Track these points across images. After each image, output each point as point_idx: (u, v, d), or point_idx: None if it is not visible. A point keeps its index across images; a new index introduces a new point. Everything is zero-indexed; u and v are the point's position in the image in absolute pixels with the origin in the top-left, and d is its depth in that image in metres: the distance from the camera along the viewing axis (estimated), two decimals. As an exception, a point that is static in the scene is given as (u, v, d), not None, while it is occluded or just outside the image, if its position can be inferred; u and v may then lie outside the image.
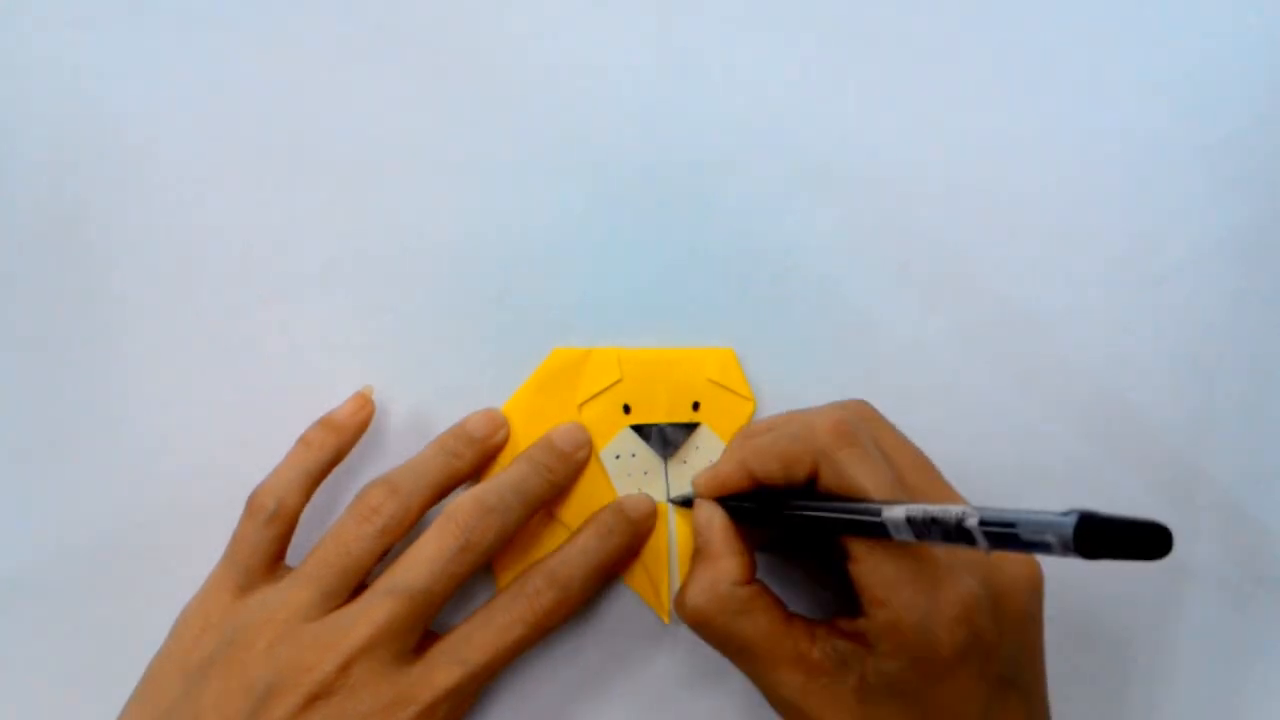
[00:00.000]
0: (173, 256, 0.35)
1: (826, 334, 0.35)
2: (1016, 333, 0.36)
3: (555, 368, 0.35)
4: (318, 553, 0.30)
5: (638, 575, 0.34)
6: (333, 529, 0.31)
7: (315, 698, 0.27)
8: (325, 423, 0.33)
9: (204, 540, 0.33)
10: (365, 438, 0.34)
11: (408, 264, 0.35)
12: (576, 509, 0.34)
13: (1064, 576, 0.35)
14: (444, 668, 0.29)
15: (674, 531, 0.34)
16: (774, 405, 0.35)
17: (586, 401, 0.34)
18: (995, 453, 0.35)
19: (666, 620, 0.34)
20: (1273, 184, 0.36)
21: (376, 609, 0.29)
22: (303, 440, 0.33)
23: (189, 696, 0.28)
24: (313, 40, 0.36)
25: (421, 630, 0.30)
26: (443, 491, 0.32)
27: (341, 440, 0.33)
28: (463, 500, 0.30)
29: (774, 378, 0.35)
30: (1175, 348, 0.36)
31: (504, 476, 0.32)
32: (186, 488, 0.34)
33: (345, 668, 0.28)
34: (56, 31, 0.36)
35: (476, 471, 0.33)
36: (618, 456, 0.34)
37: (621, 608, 0.35)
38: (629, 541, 0.33)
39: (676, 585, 0.34)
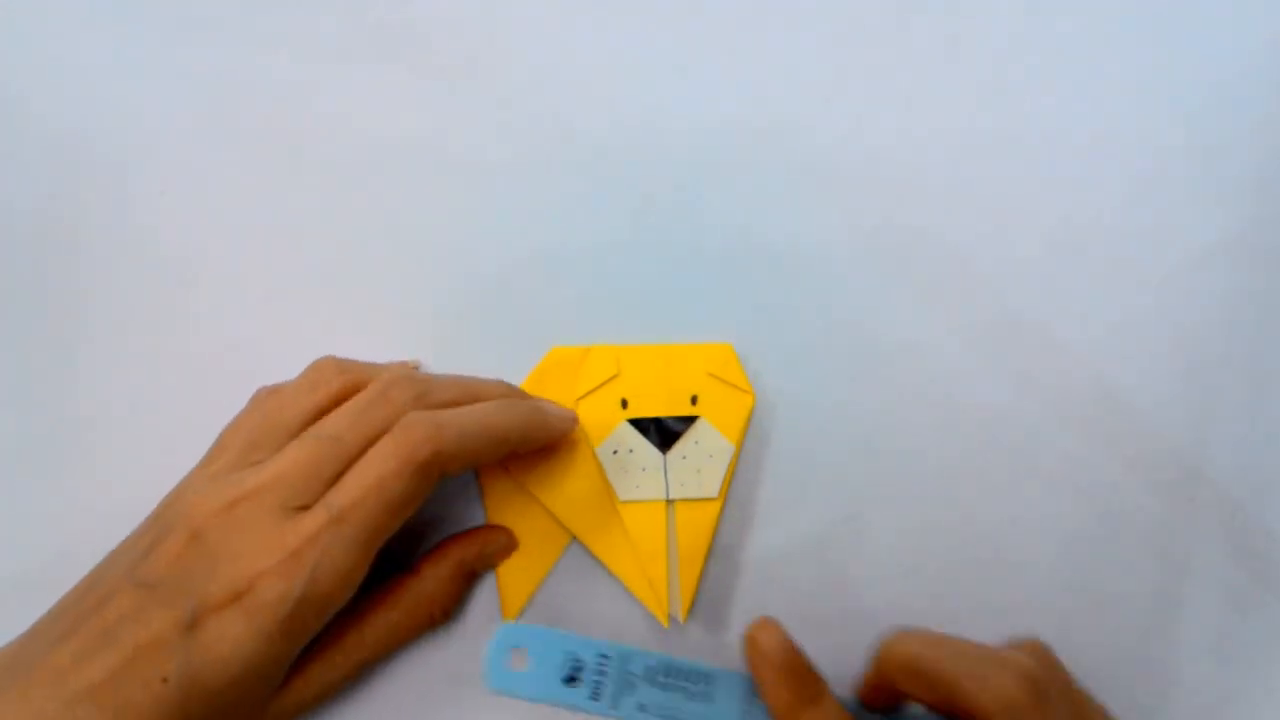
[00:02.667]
0: (173, 256, 0.35)
1: (826, 333, 0.35)
2: (1016, 333, 0.35)
3: (554, 366, 0.35)
4: (288, 453, 0.29)
5: (637, 578, 0.34)
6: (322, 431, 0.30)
7: (194, 536, 0.27)
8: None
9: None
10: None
11: (407, 262, 0.35)
12: (575, 506, 0.34)
13: (1064, 576, 0.35)
14: (312, 514, 0.27)
15: (673, 532, 0.34)
16: (774, 403, 0.35)
17: (584, 396, 0.34)
18: (995, 453, 0.35)
19: (665, 624, 0.34)
20: (1273, 185, 0.36)
21: (284, 456, 0.28)
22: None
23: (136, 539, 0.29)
24: (313, 40, 0.36)
25: (325, 481, 0.28)
26: None
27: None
28: (416, 414, 0.29)
29: (774, 377, 0.35)
30: (1175, 348, 0.36)
31: (471, 407, 0.30)
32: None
33: (231, 507, 0.27)
34: (57, 31, 0.36)
35: None
36: (615, 452, 0.34)
37: (621, 610, 0.34)
38: (528, 424, 0.31)
39: (676, 587, 0.34)
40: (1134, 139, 0.36)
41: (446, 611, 0.33)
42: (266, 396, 0.31)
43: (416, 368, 0.35)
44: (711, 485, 0.34)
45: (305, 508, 0.27)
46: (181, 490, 0.29)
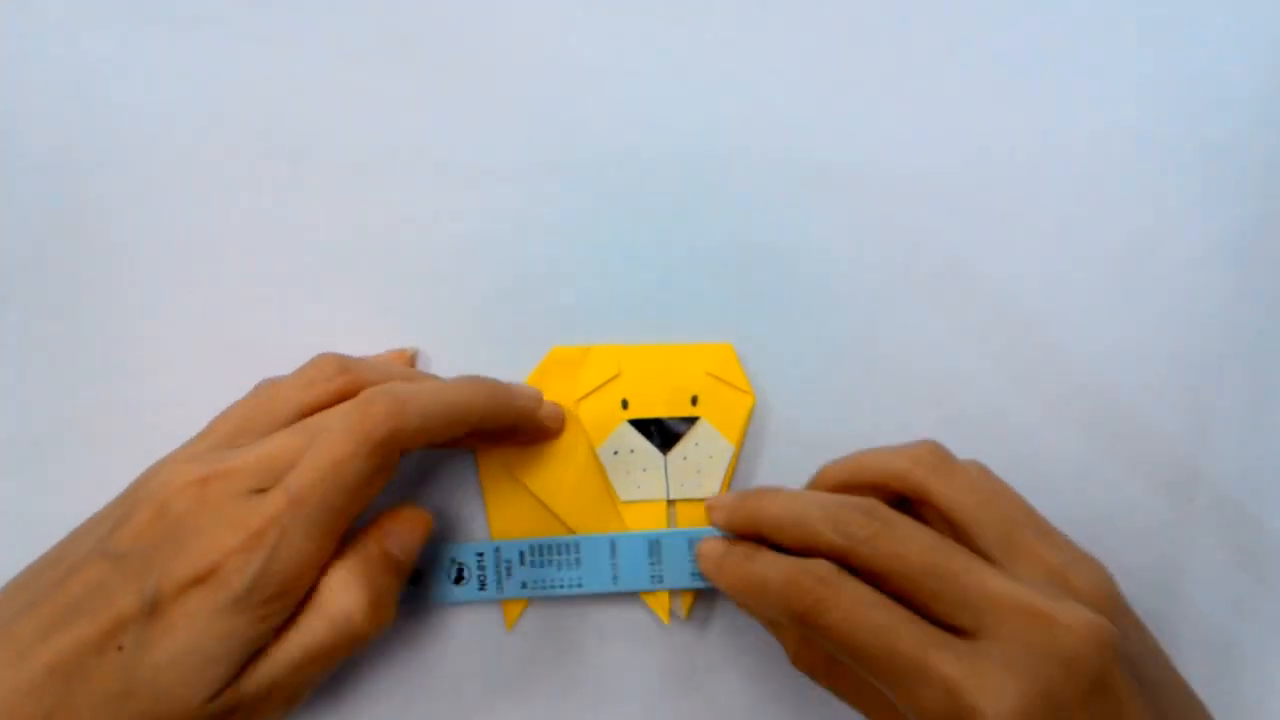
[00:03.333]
0: (173, 256, 0.35)
1: (826, 333, 0.35)
2: (1016, 333, 0.35)
3: (554, 366, 0.35)
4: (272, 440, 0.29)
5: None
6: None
7: (163, 509, 0.27)
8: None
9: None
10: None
11: (408, 263, 0.35)
12: (576, 506, 0.34)
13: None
14: (270, 496, 0.27)
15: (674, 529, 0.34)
16: (774, 403, 0.35)
17: (585, 397, 0.34)
18: (995, 453, 0.35)
19: (667, 620, 0.34)
20: (1272, 185, 0.36)
21: (266, 442, 0.28)
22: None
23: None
24: (313, 40, 0.36)
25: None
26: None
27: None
28: (378, 388, 0.29)
29: (774, 377, 0.35)
30: (1175, 348, 0.36)
31: (428, 382, 0.30)
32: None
33: (203, 483, 0.27)
34: (58, 31, 0.36)
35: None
36: (616, 452, 0.34)
37: (622, 608, 0.34)
38: (492, 401, 0.31)
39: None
40: (1134, 139, 0.36)
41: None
42: (264, 387, 0.31)
43: (413, 357, 0.35)
44: (712, 485, 0.34)
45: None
46: (160, 466, 0.29)
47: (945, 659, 0.25)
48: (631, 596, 0.34)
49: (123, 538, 0.27)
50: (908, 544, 0.27)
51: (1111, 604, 0.28)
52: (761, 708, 0.34)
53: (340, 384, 0.30)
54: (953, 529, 0.29)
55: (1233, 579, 0.35)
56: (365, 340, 0.35)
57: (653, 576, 0.33)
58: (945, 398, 0.35)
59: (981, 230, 0.36)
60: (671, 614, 0.34)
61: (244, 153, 0.35)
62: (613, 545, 0.33)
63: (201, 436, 0.30)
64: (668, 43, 0.36)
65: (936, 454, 0.30)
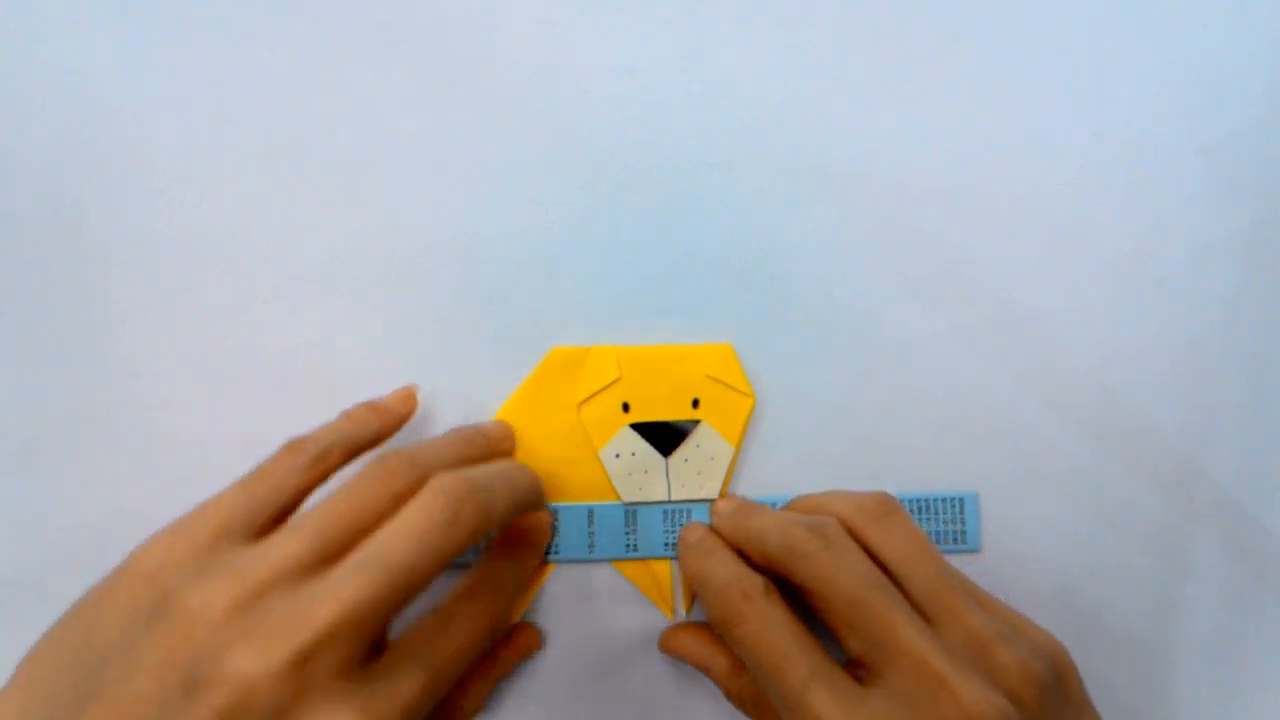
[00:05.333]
0: (172, 256, 0.35)
1: (826, 333, 0.35)
2: (1016, 333, 0.35)
3: (554, 366, 0.35)
4: (320, 507, 0.26)
5: (642, 575, 0.34)
6: (340, 489, 0.27)
7: (242, 705, 0.22)
8: (371, 405, 0.31)
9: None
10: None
11: (407, 263, 0.35)
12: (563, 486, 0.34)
13: (1064, 577, 0.35)
14: (410, 673, 0.25)
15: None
16: (774, 403, 0.35)
17: (586, 400, 0.34)
18: (995, 453, 0.35)
19: (671, 617, 0.34)
20: (1273, 185, 0.36)
21: (347, 585, 0.24)
22: (346, 414, 0.31)
23: (129, 647, 0.24)
24: (313, 40, 0.36)
25: (393, 617, 0.25)
26: None
27: (384, 424, 0.31)
28: (452, 476, 0.27)
29: (774, 377, 0.35)
30: (1175, 348, 0.36)
31: (490, 467, 0.29)
32: (187, 487, 0.34)
33: (299, 665, 0.22)
34: (56, 31, 0.36)
35: None
36: (617, 455, 0.34)
37: (626, 606, 0.34)
38: (538, 489, 0.31)
39: (679, 583, 0.34)
40: (1134, 137, 0.36)
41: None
42: (344, 495, 0.27)
43: (414, 393, 0.34)
44: (712, 486, 0.34)
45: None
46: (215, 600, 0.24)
47: (823, 697, 0.25)
48: (636, 592, 0.34)
49: None
50: (839, 569, 0.28)
51: (1033, 687, 0.26)
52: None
53: (409, 478, 0.27)
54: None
55: (1233, 579, 0.35)
56: (365, 340, 0.35)
57: (628, 545, 0.34)
58: (945, 398, 0.35)
59: (981, 231, 0.36)
60: (675, 611, 0.34)
61: (243, 153, 0.35)
62: (590, 514, 0.34)
63: (261, 557, 0.25)
64: (668, 43, 0.36)
65: (884, 505, 0.30)
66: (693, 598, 0.34)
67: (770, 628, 0.27)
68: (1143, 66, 0.36)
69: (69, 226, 0.35)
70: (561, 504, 0.34)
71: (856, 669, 0.27)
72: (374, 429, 0.31)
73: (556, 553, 0.34)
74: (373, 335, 0.35)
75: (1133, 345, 0.36)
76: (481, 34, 0.36)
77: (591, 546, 0.34)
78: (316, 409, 0.34)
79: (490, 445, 0.33)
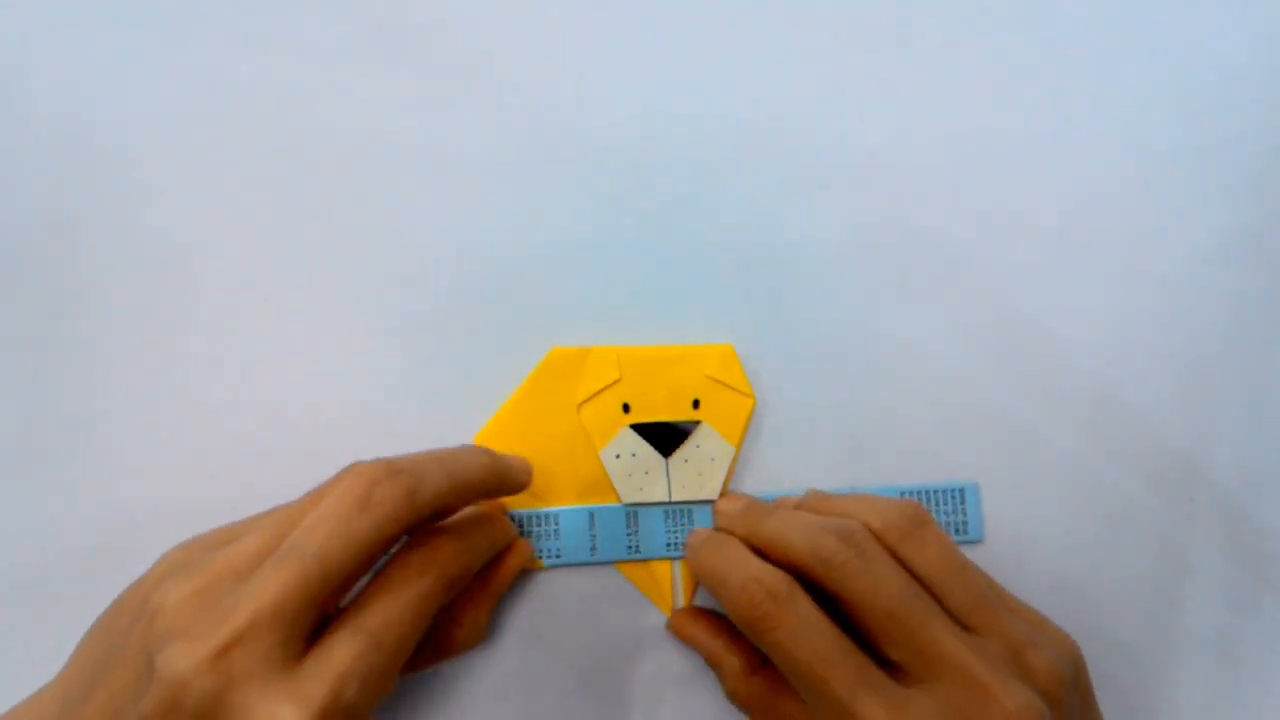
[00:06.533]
0: (172, 256, 0.35)
1: (826, 333, 0.35)
2: (1016, 333, 0.35)
3: (554, 366, 0.35)
4: (283, 506, 0.28)
5: (642, 574, 0.34)
6: (310, 491, 0.28)
7: (177, 700, 0.23)
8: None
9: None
10: (365, 439, 0.34)
11: (407, 264, 0.35)
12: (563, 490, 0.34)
13: (1064, 577, 0.35)
14: (343, 642, 0.25)
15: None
16: (774, 404, 0.35)
17: (586, 400, 0.34)
18: (995, 453, 0.35)
19: (668, 614, 0.34)
20: (1273, 185, 0.36)
21: (265, 579, 0.24)
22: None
23: (124, 642, 0.26)
24: (313, 40, 0.36)
25: (319, 610, 0.25)
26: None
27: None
28: (369, 460, 0.27)
29: (774, 377, 0.35)
30: (1175, 348, 0.36)
31: (419, 454, 0.29)
32: (186, 487, 0.34)
33: (220, 657, 0.23)
34: (58, 31, 0.36)
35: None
36: (618, 456, 0.34)
37: (627, 604, 0.34)
38: (495, 479, 0.31)
39: (679, 582, 0.34)
40: (1134, 138, 0.36)
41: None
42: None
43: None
44: (713, 487, 0.34)
45: None
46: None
47: (872, 701, 0.25)
48: (636, 591, 0.34)
49: None
50: (876, 580, 0.27)
51: (1061, 688, 0.27)
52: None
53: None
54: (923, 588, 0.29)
55: (1233, 579, 0.35)
56: (365, 340, 0.35)
57: (630, 547, 0.34)
58: (945, 398, 0.35)
59: (982, 230, 0.36)
60: (675, 609, 0.34)
61: (243, 153, 0.35)
62: (591, 517, 0.34)
63: (222, 554, 0.26)
64: (668, 43, 0.36)
65: (914, 519, 0.29)
66: (693, 593, 0.34)
67: (807, 631, 0.27)
68: (1143, 66, 0.36)
69: (69, 226, 0.35)
70: (562, 508, 0.34)
71: (895, 672, 0.27)
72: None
73: (558, 556, 0.34)
74: (373, 335, 0.35)
75: (1133, 345, 0.36)
76: (481, 34, 0.36)
77: (593, 549, 0.34)
78: (315, 409, 0.34)
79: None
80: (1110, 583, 0.35)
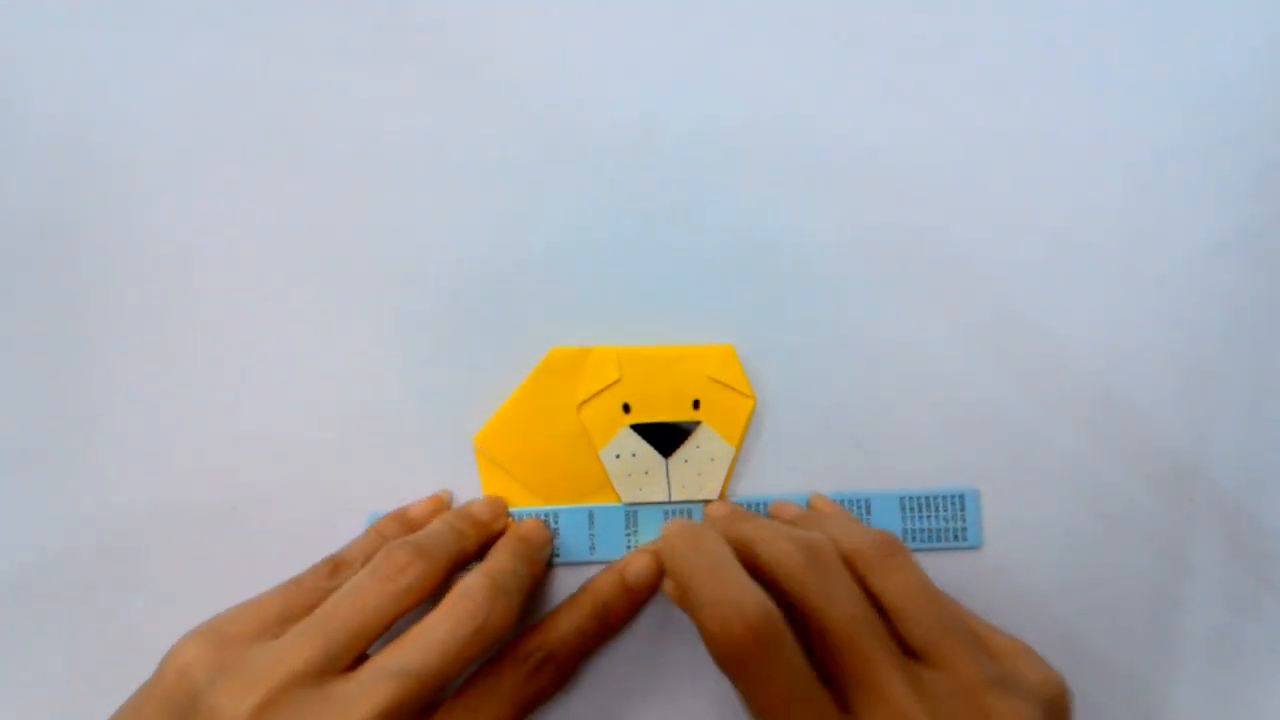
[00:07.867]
0: (172, 256, 0.35)
1: (826, 333, 0.35)
2: (1016, 333, 0.35)
3: (554, 367, 0.35)
4: (329, 607, 0.28)
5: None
6: (349, 585, 0.28)
7: None
8: (397, 516, 0.33)
9: (204, 540, 0.34)
10: (365, 439, 0.34)
11: (407, 264, 0.35)
12: (566, 494, 0.34)
13: (1064, 578, 0.35)
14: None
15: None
16: (774, 404, 0.35)
17: (586, 401, 0.34)
18: (995, 453, 0.35)
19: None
20: (1273, 185, 0.36)
21: (380, 690, 0.25)
22: (377, 530, 0.33)
23: None
24: (313, 41, 0.36)
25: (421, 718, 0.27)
26: (454, 568, 0.31)
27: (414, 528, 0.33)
28: (476, 579, 0.28)
29: (774, 378, 0.35)
30: (1175, 348, 0.36)
31: (506, 560, 0.30)
32: (187, 487, 0.34)
33: None
34: (57, 31, 0.36)
35: (479, 554, 0.33)
36: (618, 456, 0.34)
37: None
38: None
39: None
40: (1134, 138, 0.36)
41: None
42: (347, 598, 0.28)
43: (449, 500, 0.34)
44: (712, 487, 0.34)
45: None
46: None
47: None
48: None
49: None
50: (833, 602, 0.26)
51: None
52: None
53: (418, 572, 0.29)
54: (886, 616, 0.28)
55: (1233, 579, 0.35)
56: (365, 340, 0.35)
57: (629, 546, 0.34)
58: (945, 397, 0.35)
59: (982, 230, 0.36)
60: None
61: (242, 153, 0.35)
62: (590, 516, 0.34)
63: (277, 660, 0.26)
64: (668, 42, 0.36)
65: (885, 547, 0.28)
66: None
67: (787, 678, 0.25)
68: (1143, 66, 0.36)
69: (68, 226, 0.35)
70: (562, 507, 0.34)
71: (838, 693, 0.26)
72: (401, 533, 0.32)
73: (557, 555, 0.34)
74: (373, 335, 0.35)
75: (1133, 345, 0.36)
76: (481, 34, 0.36)
77: (592, 548, 0.34)
78: (316, 409, 0.34)
79: (482, 530, 0.33)
80: (1110, 583, 0.35)
